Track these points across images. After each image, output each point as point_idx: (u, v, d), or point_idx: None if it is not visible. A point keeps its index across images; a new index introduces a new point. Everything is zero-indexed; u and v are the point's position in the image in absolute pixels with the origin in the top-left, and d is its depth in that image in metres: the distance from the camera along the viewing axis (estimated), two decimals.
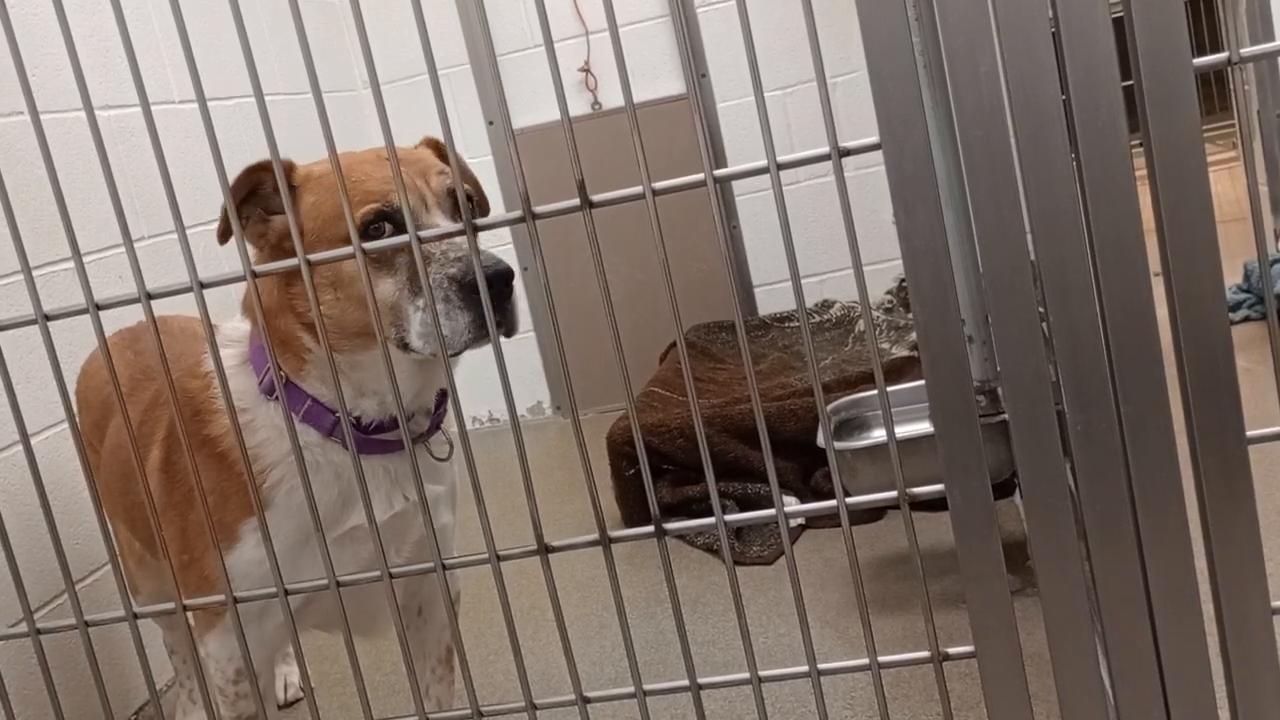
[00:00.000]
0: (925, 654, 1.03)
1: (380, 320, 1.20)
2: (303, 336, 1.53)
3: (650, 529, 1.05)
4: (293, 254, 1.46)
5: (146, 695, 2.62)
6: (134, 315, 2.24)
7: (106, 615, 1.20)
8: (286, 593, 1.14)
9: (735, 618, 1.22)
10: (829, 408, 2.72)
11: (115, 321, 2.06)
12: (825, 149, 0.93)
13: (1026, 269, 0.91)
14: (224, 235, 1.45)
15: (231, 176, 1.44)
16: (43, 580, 2.35)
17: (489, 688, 2.45)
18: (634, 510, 3.17)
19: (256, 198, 1.52)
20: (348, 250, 1.04)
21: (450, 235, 1.05)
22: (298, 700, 2.55)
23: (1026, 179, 0.90)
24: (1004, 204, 0.90)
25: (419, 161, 1.54)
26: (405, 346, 1.48)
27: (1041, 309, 0.92)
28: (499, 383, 1.04)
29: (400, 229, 1.45)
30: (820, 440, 2.72)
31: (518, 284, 1.42)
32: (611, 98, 4.32)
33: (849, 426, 2.71)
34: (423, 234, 1.03)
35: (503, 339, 1.22)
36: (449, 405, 1.67)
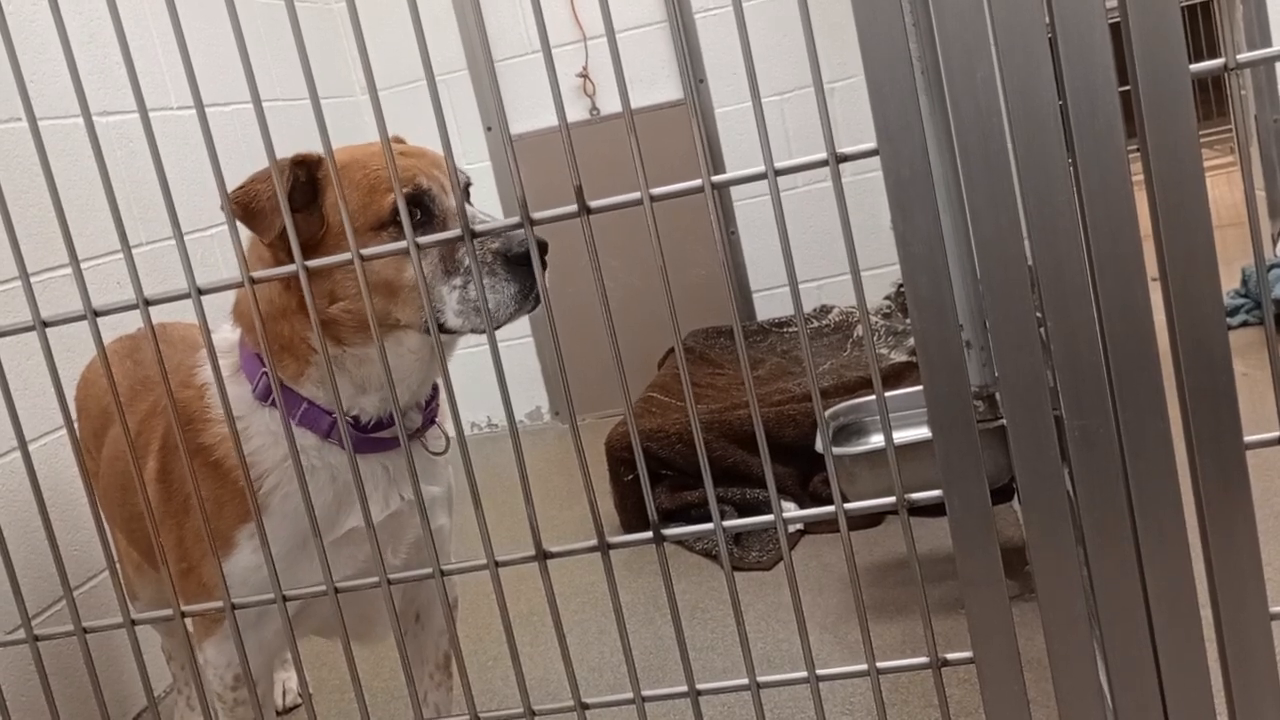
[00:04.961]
0: (924, 659, 1.03)
1: (372, 308, 1.20)
2: (311, 336, 1.53)
3: (649, 535, 1.05)
4: (324, 251, 1.47)
5: (144, 702, 2.61)
6: (133, 321, 2.24)
7: (104, 622, 1.20)
8: (285, 599, 1.14)
9: (734, 623, 1.22)
10: (827, 413, 2.72)
11: (114, 328, 2.06)
12: (823, 155, 0.93)
13: (1024, 274, 0.91)
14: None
15: (230, 181, 1.44)
16: (40, 587, 2.35)
17: (487, 694, 2.44)
18: (633, 516, 3.17)
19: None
20: (345, 256, 1.04)
21: (450, 240, 1.05)
22: (296, 706, 2.54)
23: (1024, 185, 0.90)
24: (1001, 209, 0.90)
25: (424, 155, 1.57)
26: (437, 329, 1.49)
27: (1039, 314, 0.92)
28: (497, 388, 1.04)
29: (428, 213, 1.51)
30: (819, 445, 2.71)
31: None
32: (610, 103, 4.32)
33: (847, 432, 2.71)
34: (421, 239, 1.03)
35: (500, 341, 1.22)
36: (439, 400, 1.68)
